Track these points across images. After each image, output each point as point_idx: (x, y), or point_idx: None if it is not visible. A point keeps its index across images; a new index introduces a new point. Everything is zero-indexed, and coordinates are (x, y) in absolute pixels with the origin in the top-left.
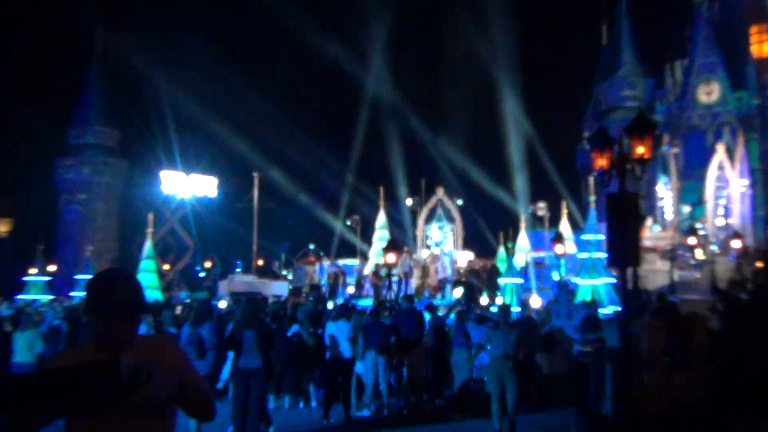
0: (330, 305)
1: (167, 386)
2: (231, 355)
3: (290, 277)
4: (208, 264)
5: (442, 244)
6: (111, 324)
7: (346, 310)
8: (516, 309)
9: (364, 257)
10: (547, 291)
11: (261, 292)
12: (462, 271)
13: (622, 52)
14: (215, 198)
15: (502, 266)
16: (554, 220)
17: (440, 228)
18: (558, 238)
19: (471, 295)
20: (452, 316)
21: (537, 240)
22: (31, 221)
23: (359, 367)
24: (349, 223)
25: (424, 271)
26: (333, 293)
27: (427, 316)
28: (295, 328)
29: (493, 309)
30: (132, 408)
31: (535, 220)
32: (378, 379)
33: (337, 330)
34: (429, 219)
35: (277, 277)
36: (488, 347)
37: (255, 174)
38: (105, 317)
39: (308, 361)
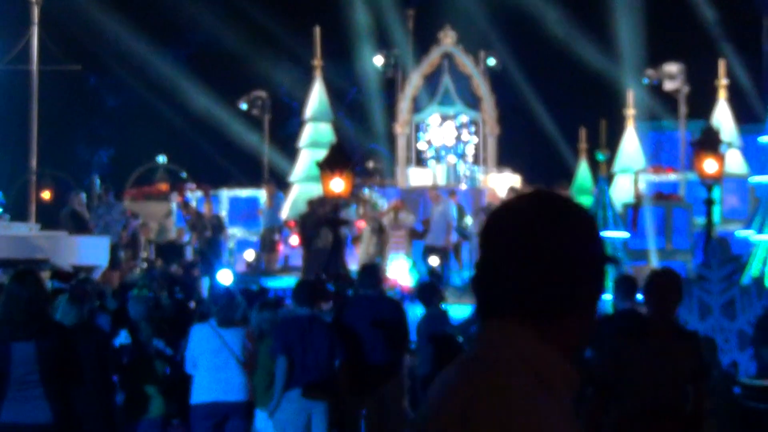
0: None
1: None
2: None
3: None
4: None
5: (452, 156)
6: None
7: (231, 305)
8: (605, 297)
9: (279, 184)
10: (682, 257)
11: (48, 259)
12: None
13: None
14: None
15: (584, 202)
16: (699, 103)
17: (449, 118)
18: (707, 142)
19: None
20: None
21: (661, 145)
22: None
23: (261, 422)
24: (244, 106)
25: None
26: (207, 261)
27: (416, 312)
28: (123, 337)
29: None
30: None
31: (658, 102)
32: None
33: (217, 344)
34: (423, 99)
35: (83, 225)
36: None
37: None
38: None
39: (147, 407)
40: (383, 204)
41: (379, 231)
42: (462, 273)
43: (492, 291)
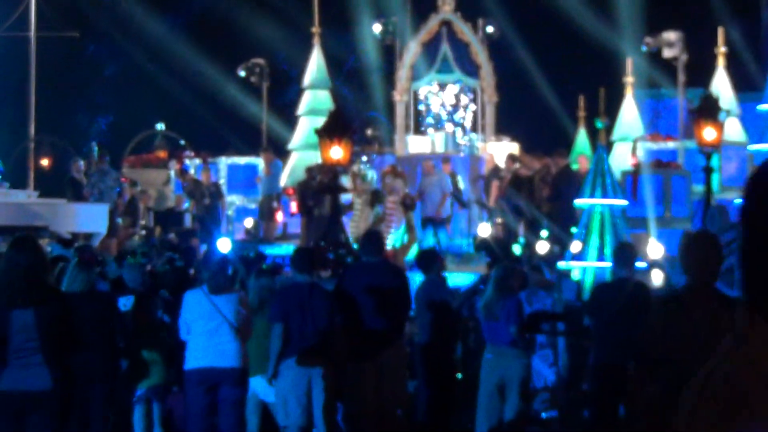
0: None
1: None
2: None
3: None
4: None
5: (450, 123)
6: None
7: (223, 271)
8: (604, 264)
9: (278, 151)
10: (681, 225)
11: (47, 226)
12: (493, 181)
13: None
14: None
15: (581, 169)
16: (697, 70)
17: (446, 86)
18: (706, 110)
19: (507, 238)
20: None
21: (659, 113)
22: None
23: (262, 389)
24: (243, 74)
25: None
26: (206, 228)
27: (415, 280)
28: (124, 303)
29: (566, 265)
30: None
31: (657, 70)
32: (309, 420)
33: (209, 311)
34: (422, 67)
35: (80, 192)
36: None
37: None
38: None
39: (149, 373)
40: (373, 176)
41: (372, 203)
42: (460, 241)
43: (758, 279)
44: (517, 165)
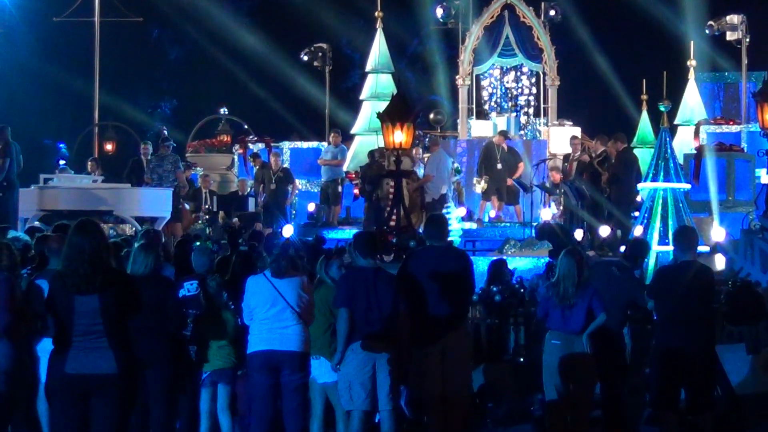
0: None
1: None
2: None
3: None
4: None
5: (513, 107)
6: None
7: (285, 255)
8: (665, 248)
9: (341, 136)
10: (744, 208)
11: (112, 211)
12: (552, 167)
13: None
14: (3, 3)
15: (644, 153)
16: (761, 53)
17: (508, 70)
18: None
19: (570, 222)
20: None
21: (722, 96)
22: None
23: (324, 374)
24: (306, 58)
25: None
26: (270, 213)
27: (482, 266)
28: (188, 288)
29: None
30: None
31: (720, 53)
32: (373, 404)
33: (272, 295)
34: (484, 51)
35: (140, 175)
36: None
37: None
38: None
39: (216, 357)
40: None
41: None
42: (522, 226)
43: None
44: (578, 150)
